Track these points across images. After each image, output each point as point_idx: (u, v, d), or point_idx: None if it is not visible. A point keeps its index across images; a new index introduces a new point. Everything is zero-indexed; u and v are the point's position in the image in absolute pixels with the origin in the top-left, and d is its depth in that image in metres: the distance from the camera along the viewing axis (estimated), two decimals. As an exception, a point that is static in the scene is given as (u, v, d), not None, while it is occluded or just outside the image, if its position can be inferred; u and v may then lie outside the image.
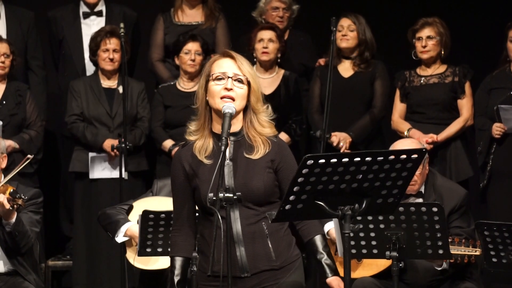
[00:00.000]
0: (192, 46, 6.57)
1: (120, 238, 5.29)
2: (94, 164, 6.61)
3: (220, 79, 3.71)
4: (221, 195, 3.58)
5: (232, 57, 3.75)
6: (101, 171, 6.62)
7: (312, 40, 7.10)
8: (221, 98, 3.68)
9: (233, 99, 3.69)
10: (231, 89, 3.69)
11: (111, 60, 6.60)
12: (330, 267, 3.80)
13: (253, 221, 3.71)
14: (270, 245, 3.74)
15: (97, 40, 6.59)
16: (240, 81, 3.71)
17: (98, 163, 6.61)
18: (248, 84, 3.73)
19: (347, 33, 6.60)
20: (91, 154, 6.61)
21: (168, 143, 6.61)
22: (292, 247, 3.81)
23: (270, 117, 3.77)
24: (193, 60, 6.57)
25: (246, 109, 3.76)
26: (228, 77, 3.70)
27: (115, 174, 6.58)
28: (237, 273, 3.72)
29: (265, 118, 3.75)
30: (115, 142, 6.49)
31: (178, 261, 3.80)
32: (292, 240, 3.83)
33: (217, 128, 3.73)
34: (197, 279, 3.86)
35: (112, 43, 6.57)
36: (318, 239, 3.82)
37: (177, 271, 3.79)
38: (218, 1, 7.09)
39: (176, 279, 3.79)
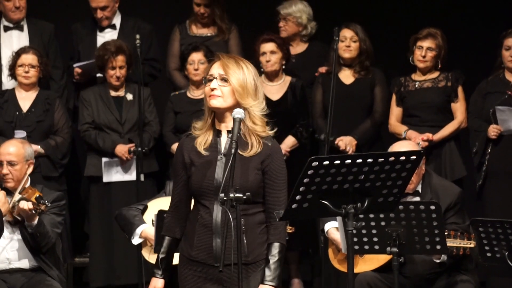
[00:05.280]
0: (196, 56, 6.62)
1: (136, 240, 5.34)
2: (107, 169, 6.66)
3: (210, 80, 3.81)
4: (231, 195, 3.59)
5: (219, 59, 3.84)
6: (114, 175, 6.67)
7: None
8: (209, 97, 3.79)
9: (219, 97, 3.77)
10: (215, 88, 3.77)
11: (118, 77, 6.65)
12: (268, 275, 3.74)
13: (233, 216, 3.65)
14: (244, 241, 3.75)
15: (104, 58, 6.59)
16: (225, 80, 3.79)
17: (111, 168, 6.66)
18: None
19: (350, 44, 6.60)
20: (104, 159, 6.65)
21: (175, 146, 6.65)
22: (266, 246, 3.79)
23: (263, 111, 3.80)
24: (197, 70, 6.62)
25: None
26: (214, 77, 3.80)
27: (127, 177, 6.63)
28: (210, 262, 3.77)
29: (257, 113, 3.79)
30: (127, 147, 6.55)
31: (167, 240, 3.88)
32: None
33: (218, 124, 3.82)
34: (180, 260, 3.91)
35: (119, 61, 6.61)
36: (274, 246, 3.77)
37: (163, 249, 3.87)
38: (232, 10, 7.10)
39: (161, 256, 3.86)
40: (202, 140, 3.81)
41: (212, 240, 3.75)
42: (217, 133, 3.81)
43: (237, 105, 3.78)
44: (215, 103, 3.78)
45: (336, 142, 6.52)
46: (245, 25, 7.22)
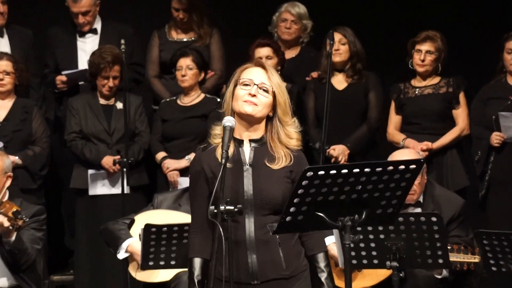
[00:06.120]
0: (184, 62, 6.59)
1: (121, 255, 5.29)
2: (94, 181, 6.61)
3: (247, 85, 3.77)
4: (222, 207, 3.57)
5: (264, 68, 3.82)
6: (101, 188, 6.62)
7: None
8: (244, 101, 3.74)
9: (255, 105, 3.74)
10: (255, 95, 3.75)
11: (110, 87, 6.61)
12: (329, 286, 3.80)
13: (267, 229, 3.71)
14: (281, 254, 3.74)
15: (99, 67, 6.55)
16: (266, 90, 3.77)
17: (97, 180, 6.62)
18: (274, 95, 3.78)
19: (339, 47, 6.56)
20: (90, 172, 6.61)
21: (159, 155, 6.65)
22: (302, 257, 3.81)
23: (297, 129, 3.83)
24: (184, 75, 6.58)
25: (271, 120, 3.80)
26: (255, 84, 3.76)
27: (114, 190, 6.58)
28: (247, 280, 3.72)
29: (293, 130, 3.81)
30: (115, 158, 6.48)
31: (197, 262, 3.78)
32: (302, 250, 3.83)
33: (238, 133, 3.77)
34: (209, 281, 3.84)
35: (114, 71, 6.57)
36: (321, 256, 3.82)
37: (196, 272, 3.77)
38: (214, 13, 7.07)
39: (196, 279, 3.76)
40: None
41: (247, 257, 3.71)
42: (239, 143, 3.78)
43: (266, 118, 3.77)
44: (250, 109, 3.74)
45: (327, 151, 6.47)
46: (229, 29, 7.19)
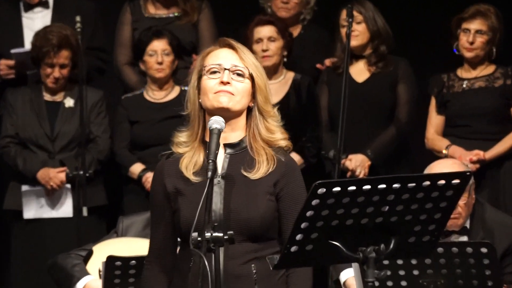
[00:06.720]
0: (158, 45, 6.65)
1: None
2: (28, 201, 6.64)
3: (215, 72, 3.82)
4: (207, 234, 3.60)
5: (232, 47, 3.87)
6: (38, 209, 6.67)
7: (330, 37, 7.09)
8: (216, 93, 3.78)
9: (231, 94, 3.79)
10: (228, 82, 3.79)
11: (56, 79, 6.59)
12: None
13: (241, 261, 3.75)
14: None
15: (42, 51, 6.55)
16: (241, 74, 3.83)
17: (33, 199, 6.65)
18: (252, 79, 3.82)
19: (353, 27, 6.57)
20: (24, 188, 6.65)
21: (137, 168, 6.67)
22: None
23: (279, 123, 3.89)
24: (161, 63, 6.62)
25: (250, 113, 3.86)
26: (225, 68, 3.80)
27: (55, 213, 6.62)
28: None
29: (274, 122, 3.87)
30: (55, 171, 6.53)
31: None
32: None
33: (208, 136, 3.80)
34: None
35: (61, 57, 6.59)
36: None
37: None
38: None
39: None
40: (189, 161, 3.82)
41: None
42: None
43: (246, 110, 3.83)
44: (226, 100, 3.78)
45: (342, 162, 6.49)
46: (222, 3, 7.26)
